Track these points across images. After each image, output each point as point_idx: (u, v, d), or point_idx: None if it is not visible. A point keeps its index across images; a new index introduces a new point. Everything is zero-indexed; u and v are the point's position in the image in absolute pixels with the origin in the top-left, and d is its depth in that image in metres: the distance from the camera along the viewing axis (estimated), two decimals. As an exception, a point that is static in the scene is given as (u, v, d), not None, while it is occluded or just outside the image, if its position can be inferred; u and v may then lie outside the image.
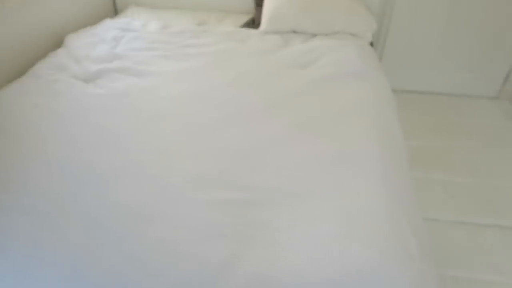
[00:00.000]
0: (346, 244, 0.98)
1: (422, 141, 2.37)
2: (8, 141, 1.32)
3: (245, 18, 2.49)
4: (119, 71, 1.77)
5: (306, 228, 1.02)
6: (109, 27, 2.20)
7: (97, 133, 1.37)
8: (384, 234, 1.01)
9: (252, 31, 2.21)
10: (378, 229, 1.02)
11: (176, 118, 1.45)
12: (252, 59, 1.89)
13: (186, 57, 1.89)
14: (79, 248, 0.97)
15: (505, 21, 2.56)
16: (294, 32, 2.20)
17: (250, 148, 1.31)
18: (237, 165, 1.23)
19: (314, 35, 2.17)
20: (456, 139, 2.40)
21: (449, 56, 2.74)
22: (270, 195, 1.13)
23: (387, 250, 0.97)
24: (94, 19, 2.48)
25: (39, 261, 0.94)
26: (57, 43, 2.11)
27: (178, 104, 1.53)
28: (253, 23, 2.35)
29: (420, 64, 2.80)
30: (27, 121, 1.42)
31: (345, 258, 0.94)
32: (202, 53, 1.93)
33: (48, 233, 1.01)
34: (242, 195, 1.12)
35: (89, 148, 1.30)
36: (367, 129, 1.41)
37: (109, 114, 1.47)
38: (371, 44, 2.26)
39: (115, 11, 2.75)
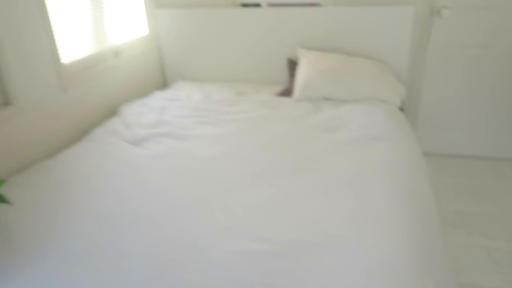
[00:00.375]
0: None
1: (463, 206, 2.32)
2: (66, 194, 1.49)
3: (280, 88, 2.69)
4: (164, 135, 1.96)
5: (326, 279, 1.05)
6: (158, 98, 2.46)
7: (141, 188, 1.51)
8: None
9: (285, 99, 2.38)
10: (398, 285, 1.03)
11: (210, 176, 1.58)
12: (284, 124, 2.03)
13: (223, 123, 2.07)
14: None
15: (539, 84, 2.57)
16: (325, 99, 2.34)
17: (276, 203, 1.38)
18: (263, 218, 1.31)
19: (344, 101, 2.30)
20: (499, 204, 2.33)
21: (484, 119, 2.75)
22: (293, 246, 1.18)
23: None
24: (145, 91, 2.79)
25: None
26: (112, 111, 2.39)
27: (213, 163, 1.67)
28: (288, 92, 2.53)
29: (456, 127, 2.82)
30: (82, 177, 1.60)
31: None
32: (238, 119, 2.10)
33: (87, 275, 1.11)
34: (267, 246, 1.19)
35: (133, 201, 1.43)
36: (392, 188, 1.45)
37: (152, 172, 1.63)
38: (401, 109, 2.35)
39: (164, 84, 3.07)
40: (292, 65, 2.69)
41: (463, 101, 2.72)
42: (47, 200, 1.45)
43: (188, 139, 1.91)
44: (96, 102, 2.26)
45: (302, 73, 2.41)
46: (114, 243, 1.23)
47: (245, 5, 2.85)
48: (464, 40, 2.56)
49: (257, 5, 2.87)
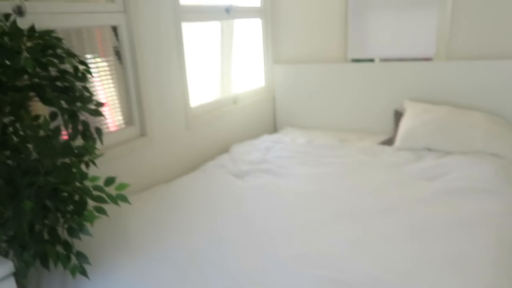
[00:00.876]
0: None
1: None
2: (172, 211, 1.76)
3: (384, 138, 2.71)
4: (263, 171, 2.16)
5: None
6: (265, 140, 2.71)
7: (238, 213, 1.70)
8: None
9: (386, 147, 2.39)
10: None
11: (297, 210, 1.69)
12: (380, 170, 2.05)
13: (320, 165, 2.19)
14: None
15: None
16: (429, 149, 2.28)
17: (358, 241, 1.42)
18: (340, 251, 1.36)
19: (449, 153, 2.21)
20: None
21: None
22: (366, 280, 1.20)
23: None
24: (256, 135, 3.09)
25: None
26: (226, 150, 2.71)
27: (303, 199, 1.78)
28: (390, 141, 2.53)
29: None
30: (188, 199, 1.87)
31: None
32: (336, 163, 2.19)
33: (180, 281, 1.31)
34: (341, 275, 1.23)
35: (229, 224, 1.62)
36: (486, 241, 1.37)
37: (247, 200, 1.82)
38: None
39: (274, 130, 3.34)
40: (398, 116, 2.70)
41: None
42: (158, 215, 1.74)
43: (284, 176, 2.07)
44: (213, 140, 2.61)
45: (405, 122, 2.41)
46: (205, 258, 1.41)
47: (355, 61, 3.01)
48: None
49: (371, 60, 3.00)
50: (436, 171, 1.96)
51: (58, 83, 1.51)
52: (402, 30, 2.73)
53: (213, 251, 1.44)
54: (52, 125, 1.39)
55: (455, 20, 2.54)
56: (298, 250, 1.40)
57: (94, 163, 1.36)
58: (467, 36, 2.53)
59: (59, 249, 1.22)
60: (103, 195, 1.26)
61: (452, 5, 2.52)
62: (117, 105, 1.99)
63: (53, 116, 1.46)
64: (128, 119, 2.06)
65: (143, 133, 2.10)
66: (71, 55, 1.48)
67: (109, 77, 1.93)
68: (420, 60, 2.70)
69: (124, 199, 1.25)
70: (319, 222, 1.58)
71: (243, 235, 1.53)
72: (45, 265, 1.17)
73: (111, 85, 1.95)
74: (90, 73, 1.54)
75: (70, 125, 1.45)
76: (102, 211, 1.26)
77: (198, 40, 2.45)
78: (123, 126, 2.02)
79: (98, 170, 1.81)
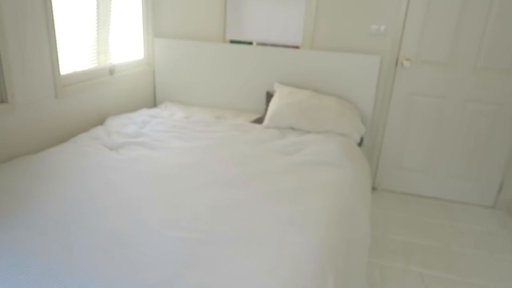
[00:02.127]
0: (268, 278, 1.19)
1: (407, 237, 2.50)
2: (37, 182, 1.71)
3: (256, 116, 2.96)
4: (138, 144, 2.20)
5: (240, 264, 1.25)
6: (143, 113, 2.72)
7: (107, 184, 1.73)
8: (304, 276, 1.21)
9: (256, 125, 2.63)
10: (300, 272, 1.22)
11: (168, 180, 1.80)
12: (248, 145, 2.26)
13: (194, 139, 2.31)
14: (59, 257, 1.26)
15: (496, 131, 2.82)
16: (292, 128, 2.59)
17: (219, 205, 1.60)
18: (204, 215, 1.52)
19: (308, 132, 2.55)
20: (442, 239, 2.51)
21: (442, 163, 2.97)
22: (222, 238, 1.38)
23: (299, 285, 1.16)
24: (136, 108, 3.06)
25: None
26: (101, 122, 2.64)
27: (174, 171, 1.89)
28: (261, 120, 2.79)
29: (415, 168, 3.04)
30: (57, 171, 1.82)
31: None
32: (209, 137, 2.35)
33: (42, 245, 1.31)
34: (200, 235, 1.39)
35: (97, 193, 1.65)
36: (323, 202, 1.66)
37: (120, 172, 1.85)
38: (359, 144, 2.58)
39: (154, 104, 3.35)
40: (270, 97, 2.96)
41: (423, 144, 2.96)
42: (21, 186, 1.67)
43: (159, 149, 2.15)
44: (87, 112, 2.52)
45: (273, 103, 2.67)
46: (72, 223, 1.43)
47: (233, 42, 3.17)
48: (424, 89, 2.84)
49: (249, 43, 3.20)
50: (294, 147, 2.26)
51: None
52: (275, 18, 2.97)
53: (80, 218, 1.46)
54: None
55: (318, 15, 2.87)
56: (164, 215, 1.51)
57: None
58: (327, 30, 2.88)
59: None
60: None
61: (316, 2, 2.84)
62: (-29, 67, 1.80)
63: None
64: (-15, 83, 1.88)
65: (3, 99, 1.94)
66: None
67: (-39, 34, 1.73)
68: (290, 47, 2.99)
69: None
70: (187, 191, 1.71)
71: (111, 204, 1.57)
72: None
73: (-37, 44, 1.75)
74: None
75: None
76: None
77: (71, 2, 2.32)
78: (-22, 90, 1.84)
79: None
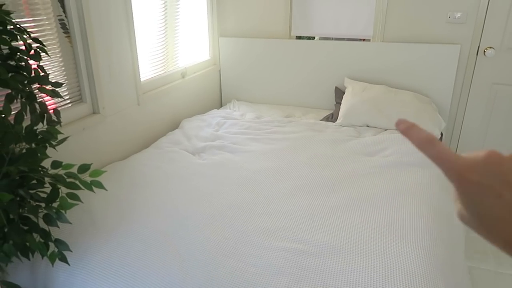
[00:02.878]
0: (383, 292, 1.17)
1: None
2: (135, 190, 1.79)
3: (326, 113, 2.91)
4: (218, 148, 2.24)
5: (347, 277, 1.24)
6: (215, 115, 2.77)
7: (196, 191, 1.78)
8: (419, 290, 1.18)
9: (329, 123, 2.59)
10: (413, 285, 1.20)
11: (257, 186, 1.82)
12: (327, 146, 2.24)
13: (272, 141, 2.32)
14: (173, 269, 1.31)
15: None
16: (367, 126, 2.53)
17: (313, 213, 1.59)
18: (302, 224, 1.52)
19: (385, 130, 2.47)
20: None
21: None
22: (324, 248, 1.38)
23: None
24: (204, 109, 3.12)
25: (145, 276, 1.30)
26: (176, 124, 2.72)
27: (260, 175, 1.91)
28: (332, 117, 2.74)
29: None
30: (149, 177, 1.90)
31: (380, 303, 1.14)
32: (285, 138, 2.34)
33: (155, 256, 1.38)
34: (302, 246, 1.40)
35: (188, 200, 1.70)
36: (420, 207, 1.61)
37: (208, 179, 1.90)
38: (440, 139, 2.47)
39: (220, 103, 3.40)
40: (339, 93, 2.90)
41: (506, 138, 2.78)
42: (122, 195, 1.76)
43: (239, 153, 2.18)
44: (163, 116, 2.60)
45: (347, 100, 2.62)
46: (175, 233, 1.49)
47: (299, 37, 3.13)
48: (508, 78, 2.65)
49: (311, 38, 3.14)
50: (375, 147, 2.20)
51: (11, 62, 1.43)
52: (343, 12, 2.89)
53: (183, 229, 1.52)
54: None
55: (390, 4, 2.75)
56: (262, 225, 1.53)
57: (53, 147, 1.34)
58: (400, 20, 2.76)
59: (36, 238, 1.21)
60: (77, 182, 1.26)
61: (390, -10, 2.72)
62: (65, 81, 1.90)
63: (9, 98, 1.38)
64: (79, 97, 1.98)
65: (95, 111, 2.04)
66: (22, 31, 1.40)
67: (56, 51, 1.83)
68: (358, 40, 2.90)
69: (100, 185, 1.27)
70: (277, 197, 1.73)
71: (208, 213, 1.62)
72: (25, 255, 1.17)
73: (58, 60, 1.85)
74: (45, 51, 1.47)
75: (27, 108, 1.40)
76: (75, 197, 1.26)
77: (144, 11, 2.38)
78: (69, 104, 1.94)
79: (51, 150, 1.75)
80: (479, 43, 2.64)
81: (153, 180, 1.88)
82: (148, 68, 2.47)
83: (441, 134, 2.59)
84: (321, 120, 2.75)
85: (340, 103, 2.78)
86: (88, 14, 1.89)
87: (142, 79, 2.39)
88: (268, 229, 1.50)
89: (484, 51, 2.64)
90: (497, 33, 2.59)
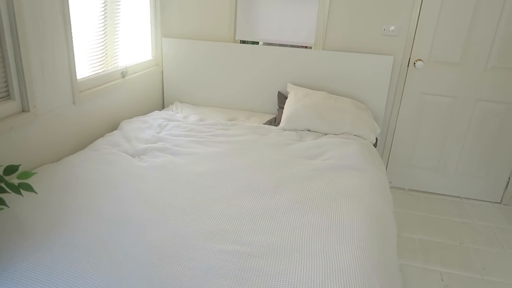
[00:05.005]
0: (322, 291, 1.21)
1: (425, 236, 2.56)
2: (68, 194, 1.69)
3: (269, 117, 2.96)
4: (160, 150, 2.18)
5: (289, 277, 1.27)
6: (157, 117, 2.70)
7: (136, 194, 1.72)
8: None
9: (272, 127, 2.63)
10: (350, 284, 1.25)
11: (199, 189, 1.80)
12: (270, 149, 2.27)
13: (215, 144, 2.31)
14: (109, 275, 1.25)
15: (505, 130, 2.88)
16: (309, 130, 2.60)
17: (256, 215, 1.61)
18: (244, 226, 1.53)
19: (325, 134, 2.56)
20: (457, 237, 2.57)
21: (452, 161, 3.03)
22: (266, 250, 1.39)
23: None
24: (145, 110, 3.03)
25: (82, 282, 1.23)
26: (115, 126, 2.61)
27: (203, 178, 1.89)
28: (275, 121, 2.79)
29: (425, 166, 3.09)
30: (84, 181, 1.80)
31: (319, 301, 1.17)
32: (229, 142, 2.34)
33: (89, 263, 1.30)
34: (244, 248, 1.40)
35: (130, 205, 1.64)
36: (357, 209, 1.69)
37: (149, 181, 1.84)
38: (375, 145, 2.61)
39: (163, 105, 3.32)
40: (282, 98, 2.97)
41: (433, 143, 3.01)
42: (54, 199, 1.65)
43: (182, 155, 2.14)
44: (101, 117, 2.49)
45: (289, 105, 2.68)
46: (113, 239, 1.42)
47: (243, 42, 3.16)
48: (435, 89, 2.88)
49: (255, 43, 3.18)
50: (315, 150, 2.27)
51: None
52: (287, 19, 2.96)
53: (120, 233, 1.45)
54: None
55: (331, 15, 2.87)
56: (203, 227, 1.51)
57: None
58: (340, 30, 2.89)
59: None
60: (2, 185, 1.16)
61: (330, 2, 2.83)
62: (-8, 76, 1.75)
63: None
64: (6, 93, 1.83)
65: (24, 109, 1.90)
66: None
67: (-17, 44, 1.68)
68: (300, 47, 2.99)
69: (29, 188, 1.18)
70: (220, 200, 1.72)
71: (147, 217, 1.57)
72: None
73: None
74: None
75: None
76: (1, 201, 1.16)
77: (82, 7, 2.27)
78: None
79: (-26, 152, 1.60)
80: (410, 55, 2.84)
81: (89, 184, 1.78)
82: (86, 66, 2.35)
83: (376, 139, 2.73)
84: (264, 124, 2.78)
85: (283, 108, 2.84)
86: (20, 5, 1.76)
87: (79, 77, 2.27)
88: (209, 232, 1.49)
89: (414, 63, 2.84)
90: (425, 46, 2.80)
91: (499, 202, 3.04)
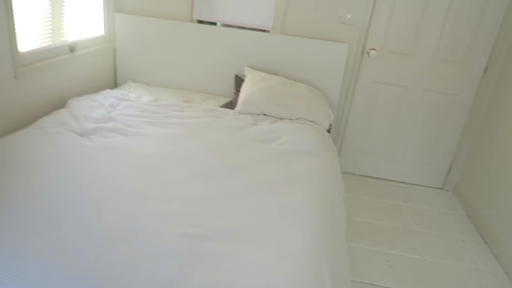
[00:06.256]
0: (271, 274, 1.22)
1: (372, 219, 2.67)
2: (8, 174, 1.58)
3: (225, 100, 2.93)
4: (110, 131, 2.10)
5: (242, 259, 1.27)
6: (108, 95, 2.58)
7: (84, 175, 1.64)
8: (304, 270, 1.26)
9: (228, 110, 2.61)
10: (300, 266, 1.27)
11: (151, 170, 1.75)
12: (225, 133, 2.25)
13: (169, 125, 2.25)
14: (54, 258, 1.19)
15: (449, 120, 3.04)
16: (265, 114, 2.61)
17: (209, 198, 1.59)
18: (196, 209, 1.51)
19: (280, 119, 2.58)
20: (402, 220, 2.71)
21: (400, 148, 3.17)
22: (220, 233, 1.39)
23: (302, 279, 1.22)
24: (96, 88, 2.89)
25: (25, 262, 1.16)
26: (62, 104, 2.47)
27: (155, 160, 1.84)
28: (232, 104, 2.77)
29: (376, 153, 3.21)
30: (27, 160, 1.69)
31: (269, 283, 1.19)
32: (183, 123, 2.29)
33: (29, 244, 1.23)
34: (198, 231, 1.38)
35: (76, 185, 1.56)
36: (309, 193, 1.72)
37: (95, 162, 1.76)
38: (328, 130, 2.67)
39: (115, 84, 3.18)
40: (239, 81, 2.94)
41: (384, 130, 3.13)
42: (-8, 178, 1.54)
43: (134, 136, 2.07)
44: (47, 93, 2.34)
45: (246, 89, 2.66)
46: (58, 222, 1.35)
47: (201, 22, 3.08)
48: (387, 78, 2.97)
49: (213, 23, 3.11)
50: (271, 135, 2.28)
51: None
52: (246, 1, 2.91)
53: (68, 215, 1.38)
54: None
55: (289, 0, 2.86)
56: (156, 210, 1.48)
57: None
58: (298, 15, 2.89)
59: None
60: None
61: (290, -15, 2.82)
62: None
63: None
64: None
65: (-42, 81, 1.74)
66: None
67: None
68: (259, 31, 2.96)
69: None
70: (173, 183, 1.68)
71: (97, 199, 1.51)
72: None
73: None
74: None
75: None
76: None
77: (29, -26, 2.10)
78: None
79: None
80: (364, 44, 2.91)
81: (32, 163, 1.68)
82: (31, 38, 2.18)
83: (330, 125, 2.79)
84: (220, 107, 2.75)
85: (239, 91, 2.82)
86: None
87: (21, 50, 2.11)
88: (161, 214, 1.46)
89: (368, 52, 2.91)
90: (379, 36, 2.87)
91: (441, 188, 3.24)
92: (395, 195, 3.04)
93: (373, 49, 2.89)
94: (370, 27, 2.86)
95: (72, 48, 2.55)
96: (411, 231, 2.59)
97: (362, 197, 2.96)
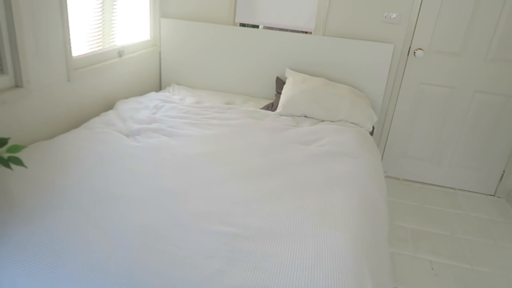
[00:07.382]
0: (310, 274, 1.21)
1: (416, 225, 2.57)
2: (59, 171, 1.67)
3: (266, 102, 2.94)
4: (154, 131, 2.17)
5: (280, 259, 1.27)
6: (153, 98, 2.67)
7: (129, 173, 1.71)
8: (344, 272, 1.24)
9: (269, 112, 2.62)
10: (340, 268, 1.25)
11: (192, 170, 1.78)
12: (265, 134, 2.25)
13: (210, 127, 2.29)
14: (97, 251, 1.25)
15: (501, 122, 2.87)
16: (305, 116, 2.59)
17: (248, 198, 1.60)
18: (237, 208, 1.52)
19: (321, 121, 2.55)
20: (448, 227, 2.58)
21: (447, 152, 3.03)
22: (257, 232, 1.39)
23: (341, 281, 1.19)
24: (142, 91, 3.00)
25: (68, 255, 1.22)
26: (110, 105, 2.59)
27: (197, 160, 1.88)
28: (272, 106, 2.77)
29: (420, 156, 3.09)
30: (77, 158, 1.79)
31: (308, 284, 1.17)
32: (224, 125, 2.32)
33: (78, 237, 1.30)
34: (235, 229, 1.40)
35: (121, 183, 1.63)
36: (350, 195, 1.68)
37: (142, 161, 1.83)
38: (371, 133, 2.60)
39: (160, 87, 3.29)
40: (280, 83, 2.94)
41: (429, 133, 3.01)
42: (45, 175, 1.63)
43: (176, 137, 2.12)
44: (97, 95, 2.46)
45: (287, 91, 2.65)
46: (103, 215, 1.42)
47: (243, 25, 3.11)
48: (434, 79, 2.86)
49: (255, 26, 3.14)
50: (311, 136, 2.26)
51: None
52: (288, 3, 2.92)
53: (112, 211, 1.44)
54: None
55: (332, 1, 2.83)
56: (196, 208, 1.51)
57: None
58: (341, 16, 2.85)
59: None
60: (-8, 157, 1.15)
61: (332, -14, 2.79)
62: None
63: None
64: (-1, 67, 1.80)
65: (18, 84, 1.87)
66: None
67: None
68: (300, 32, 2.95)
69: (19, 162, 1.16)
70: (213, 182, 1.71)
71: (140, 196, 1.56)
72: None
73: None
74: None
75: None
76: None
77: (82, -17, 2.22)
78: (-7, 74, 1.76)
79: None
80: (410, 44, 2.81)
81: (81, 161, 1.77)
82: (82, 43, 2.31)
83: (373, 127, 2.73)
84: (261, 108, 2.76)
85: (281, 93, 2.82)
86: (13, -23, 1.72)
87: (74, 55, 2.24)
88: (201, 213, 1.48)
89: (414, 52, 2.81)
90: (426, 36, 2.77)
91: (493, 194, 3.05)
92: (442, 201, 2.91)
93: (420, 49, 2.79)
94: (417, 26, 2.76)
95: (120, 53, 2.66)
96: (459, 239, 2.47)
97: (406, 202, 2.85)
